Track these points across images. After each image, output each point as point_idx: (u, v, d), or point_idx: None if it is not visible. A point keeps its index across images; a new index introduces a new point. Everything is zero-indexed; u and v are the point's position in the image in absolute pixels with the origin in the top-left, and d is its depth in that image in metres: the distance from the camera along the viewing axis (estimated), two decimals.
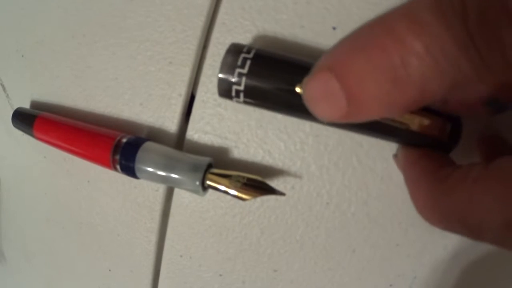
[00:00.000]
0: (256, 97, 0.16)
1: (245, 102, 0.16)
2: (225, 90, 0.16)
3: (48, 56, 0.26)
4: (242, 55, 0.15)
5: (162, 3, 0.21)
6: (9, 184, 0.32)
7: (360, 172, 0.18)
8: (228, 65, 0.16)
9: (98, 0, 0.23)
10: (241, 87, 0.15)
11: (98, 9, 0.23)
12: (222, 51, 0.19)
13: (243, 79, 0.15)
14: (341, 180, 0.18)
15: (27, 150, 0.29)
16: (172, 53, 0.21)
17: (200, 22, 0.20)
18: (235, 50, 0.16)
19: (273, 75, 0.15)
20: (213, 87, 0.20)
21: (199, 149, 0.20)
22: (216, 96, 0.20)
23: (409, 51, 0.09)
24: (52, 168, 0.27)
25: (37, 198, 0.29)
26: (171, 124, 0.21)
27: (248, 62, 0.15)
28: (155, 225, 0.23)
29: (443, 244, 0.18)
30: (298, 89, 0.14)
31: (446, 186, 0.12)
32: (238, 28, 0.19)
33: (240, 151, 0.20)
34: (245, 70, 0.15)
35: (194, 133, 0.21)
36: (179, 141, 0.21)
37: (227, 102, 0.19)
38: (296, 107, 0.15)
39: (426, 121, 0.14)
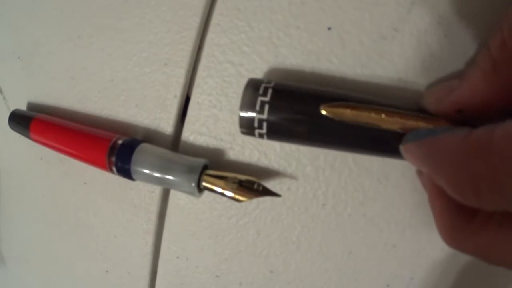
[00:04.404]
0: (279, 127, 0.16)
1: (268, 136, 0.16)
2: (247, 125, 0.16)
3: (44, 57, 0.26)
4: (263, 85, 0.16)
5: (157, 5, 0.21)
6: (6, 185, 0.32)
7: (356, 173, 0.18)
8: (250, 97, 0.16)
9: (94, 2, 0.23)
10: (264, 116, 0.16)
11: (94, 10, 0.23)
12: (217, 52, 0.19)
13: (266, 109, 0.16)
14: (337, 181, 0.18)
15: (24, 152, 0.29)
16: (167, 55, 0.21)
17: (195, 23, 0.20)
18: (254, 84, 0.16)
19: (294, 105, 0.15)
20: (208, 88, 0.20)
21: (194, 150, 0.20)
22: (211, 97, 0.20)
23: None
24: (49, 170, 0.27)
25: (34, 199, 0.29)
26: (166, 126, 0.21)
27: (270, 92, 0.16)
28: (151, 226, 0.23)
29: (440, 245, 0.17)
30: (323, 111, 0.15)
31: (471, 227, 0.12)
32: (233, 29, 0.19)
33: (236, 152, 0.19)
34: (267, 98, 0.16)
35: (189, 135, 0.20)
36: (175, 142, 0.21)
37: (222, 103, 0.19)
38: (319, 134, 0.16)
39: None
